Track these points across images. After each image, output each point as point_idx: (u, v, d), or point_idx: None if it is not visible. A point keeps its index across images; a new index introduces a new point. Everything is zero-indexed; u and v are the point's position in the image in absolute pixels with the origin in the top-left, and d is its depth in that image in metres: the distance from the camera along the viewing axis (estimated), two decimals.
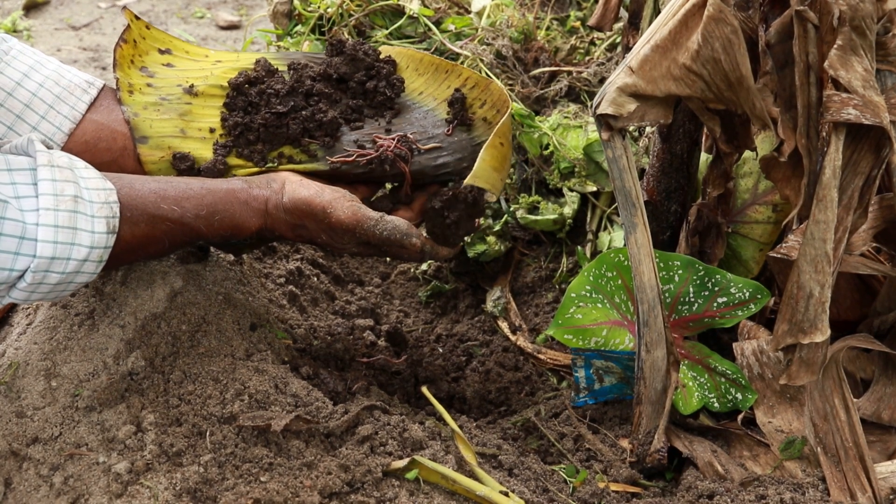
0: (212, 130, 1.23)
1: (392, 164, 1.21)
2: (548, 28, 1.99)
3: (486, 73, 1.78)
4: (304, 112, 1.23)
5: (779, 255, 1.15)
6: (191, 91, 1.23)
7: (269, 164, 1.22)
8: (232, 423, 1.07)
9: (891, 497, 1.15)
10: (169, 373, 1.14)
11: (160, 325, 1.17)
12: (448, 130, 1.26)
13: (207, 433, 1.07)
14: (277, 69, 1.28)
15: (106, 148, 1.20)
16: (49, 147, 1.17)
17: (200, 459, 1.04)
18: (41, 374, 1.13)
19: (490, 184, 1.18)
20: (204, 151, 1.22)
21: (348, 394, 1.26)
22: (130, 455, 1.05)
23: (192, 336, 1.18)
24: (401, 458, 1.08)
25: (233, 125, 1.22)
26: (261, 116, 1.22)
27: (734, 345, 1.29)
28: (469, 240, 1.71)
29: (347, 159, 1.21)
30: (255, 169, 1.22)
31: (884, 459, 1.21)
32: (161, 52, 1.28)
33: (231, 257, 1.35)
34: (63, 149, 1.18)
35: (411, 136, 1.24)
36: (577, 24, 2.02)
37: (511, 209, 1.72)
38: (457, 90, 1.28)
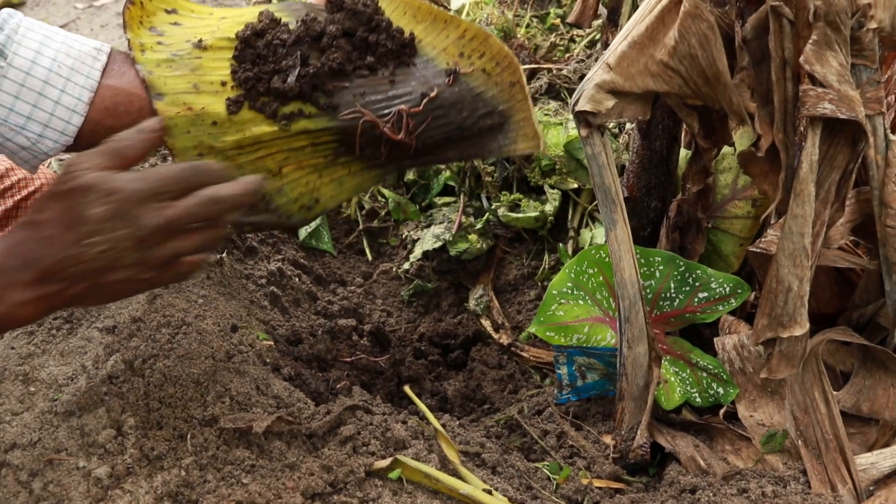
0: (223, 84, 1.25)
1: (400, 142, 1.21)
2: (528, 25, 1.99)
3: None
4: (310, 69, 1.23)
5: (758, 250, 1.16)
6: (200, 45, 1.25)
7: (283, 121, 1.23)
8: (213, 426, 1.07)
9: (871, 488, 1.16)
10: (149, 376, 1.13)
11: (140, 328, 1.16)
12: (449, 80, 1.27)
13: (188, 436, 1.06)
14: (281, 19, 1.28)
15: (125, 111, 1.22)
16: (69, 120, 1.17)
17: (182, 462, 1.03)
18: (19, 378, 1.12)
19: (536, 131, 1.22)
20: (217, 106, 1.24)
21: (330, 394, 1.26)
22: (111, 459, 1.04)
23: (171, 338, 1.17)
24: (384, 457, 1.08)
25: (243, 79, 1.24)
26: (266, 83, 1.23)
27: (715, 340, 1.29)
28: (451, 239, 1.71)
29: (370, 117, 1.21)
30: (272, 128, 1.23)
31: (864, 451, 1.21)
32: (167, 12, 1.30)
33: (212, 258, 1.35)
34: (86, 118, 1.20)
35: (420, 90, 1.24)
36: (557, 21, 2.02)
37: (493, 207, 1.72)
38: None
